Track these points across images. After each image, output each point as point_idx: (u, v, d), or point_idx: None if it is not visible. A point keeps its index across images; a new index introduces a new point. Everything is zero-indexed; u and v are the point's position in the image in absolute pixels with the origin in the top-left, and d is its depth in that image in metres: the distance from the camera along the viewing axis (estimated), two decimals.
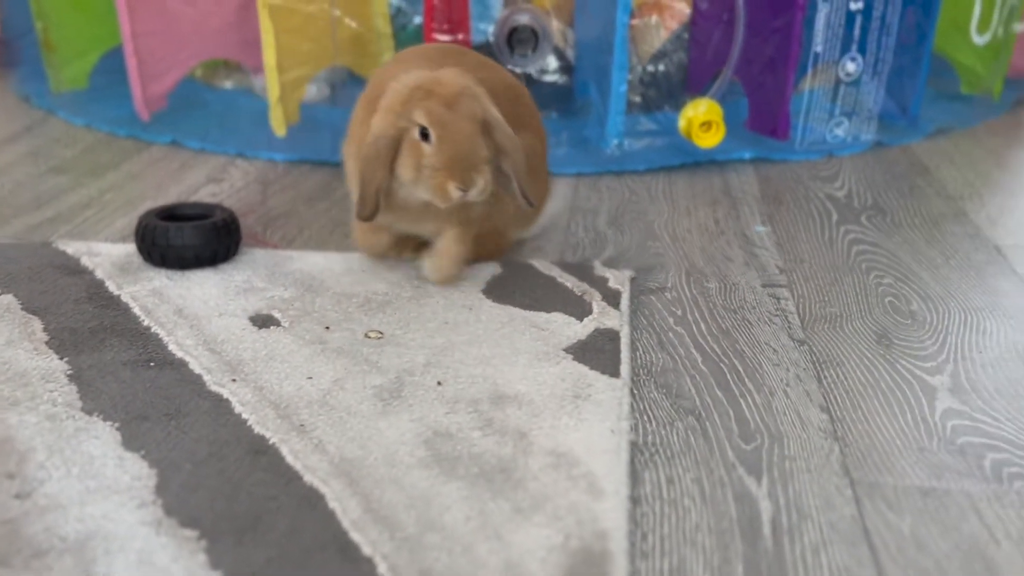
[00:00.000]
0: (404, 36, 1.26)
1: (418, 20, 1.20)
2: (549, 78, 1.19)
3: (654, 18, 1.25)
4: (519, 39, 1.08)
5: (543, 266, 0.86)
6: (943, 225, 1.00)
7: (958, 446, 0.63)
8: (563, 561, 0.50)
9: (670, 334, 0.77)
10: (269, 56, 1.11)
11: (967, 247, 0.94)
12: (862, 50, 1.15)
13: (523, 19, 1.07)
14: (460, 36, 1.18)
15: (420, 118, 0.74)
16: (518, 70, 1.13)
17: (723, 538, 0.54)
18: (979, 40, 1.29)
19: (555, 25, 1.27)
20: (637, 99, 1.28)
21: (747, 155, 1.20)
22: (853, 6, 1.13)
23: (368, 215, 0.77)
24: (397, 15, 1.24)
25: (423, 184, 0.75)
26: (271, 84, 1.13)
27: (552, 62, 1.18)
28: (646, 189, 1.11)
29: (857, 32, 1.14)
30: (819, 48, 1.14)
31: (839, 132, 1.21)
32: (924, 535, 0.55)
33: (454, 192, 0.74)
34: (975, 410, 0.67)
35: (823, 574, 0.51)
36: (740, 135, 1.22)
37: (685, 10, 1.26)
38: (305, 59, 1.18)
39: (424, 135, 0.74)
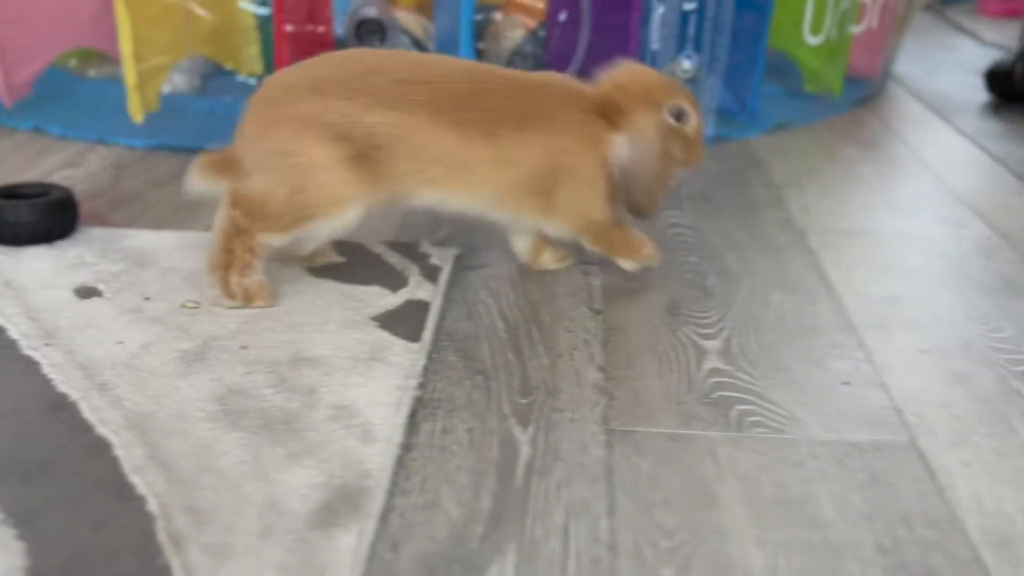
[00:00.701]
0: (270, 28, 1.30)
1: (265, 11, 1.24)
2: None
3: (505, 15, 1.31)
4: (367, 31, 1.13)
5: (372, 245, 0.91)
6: (759, 211, 1.08)
7: (712, 399, 0.70)
8: (321, 496, 0.55)
9: (479, 306, 0.83)
10: (125, 45, 1.14)
11: (775, 231, 1.02)
12: (697, 48, 1.23)
13: (370, 12, 1.12)
14: (321, 28, 1.23)
15: (684, 101, 0.84)
16: None
17: (479, 477, 0.60)
18: (813, 41, 1.37)
19: (419, 19, 1.32)
20: None
21: None
22: (687, 6, 1.20)
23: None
24: (262, 7, 1.28)
25: (686, 158, 0.86)
26: (128, 72, 1.16)
27: None
28: None
29: (692, 31, 1.22)
30: (656, 46, 1.21)
31: None
32: (660, 473, 0.61)
33: None
34: (737, 369, 0.74)
35: (561, 505, 0.58)
36: None
37: (542, 8, 1.33)
38: (165, 49, 1.21)
39: (679, 117, 0.84)
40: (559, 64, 1.30)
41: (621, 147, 0.82)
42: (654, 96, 0.83)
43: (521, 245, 0.90)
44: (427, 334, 0.75)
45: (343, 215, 0.78)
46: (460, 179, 0.80)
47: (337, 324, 0.75)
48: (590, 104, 0.83)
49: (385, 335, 0.74)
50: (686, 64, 1.23)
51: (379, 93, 0.77)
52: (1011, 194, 1.18)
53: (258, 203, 0.77)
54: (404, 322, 0.77)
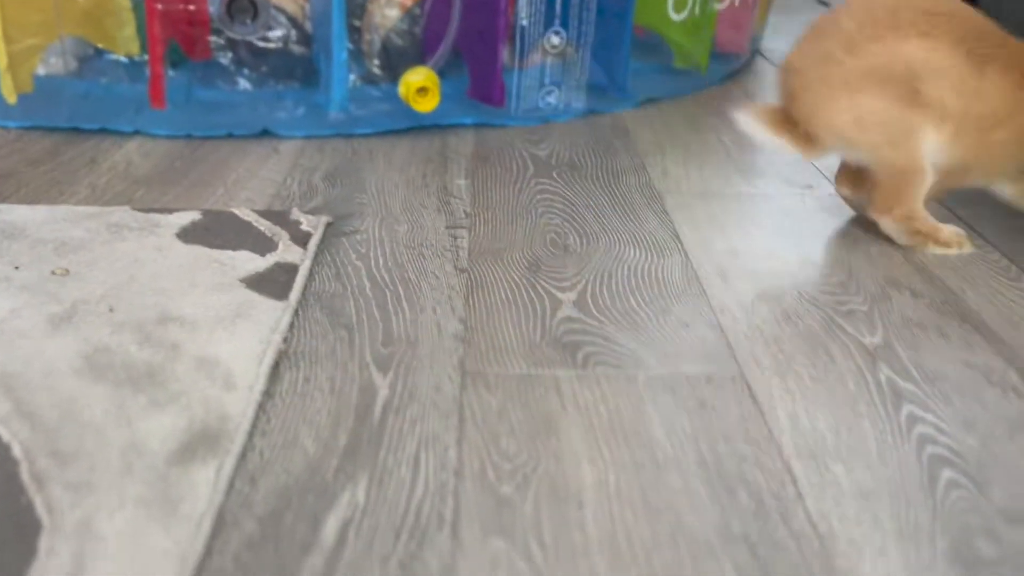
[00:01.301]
0: (143, 8, 1.30)
1: None
2: (272, 45, 1.26)
3: None
4: (238, 8, 1.15)
5: (243, 213, 0.93)
6: (622, 177, 1.14)
7: (563, 343, 0.75)
8: (181, 438, 0.58)
9: (349, 268, 0.86)
10: None
11: (634, 194, 1.08)
12: (564, 24, 1.28)
13: None
14: (192, 7, 1.24)
15: None
16: (238, 37, 1.21)
17: (337, 418, 0.64)
18: (676, 17, 1.44)
19: None
20: (376, 71, 1.37)
21: (468, 121, 1.31)
22: None
23: None
24: None
25: None
26: None
27: (279, 31, 1.25)
28: (368, 150, 1.20)
29: (559, 8, 1.27)
30: (524, 22, 1.26)
31: (551, 100, 1.33)
32: (508, 407, 0.66)
33: None
34: (588, 316, 0.79)
35: (413, 438, 0.62)
36: (465, 103, 1.32)
37: None
38: (36, 30, 1.21)
39: None
40: (433, 42, 1.34)
41: None
42: None
43: (1011, 192, 0.97)
44: (294, 293, 0.78)
45: (929, 140, 0.88)
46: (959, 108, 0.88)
47: (205, 287, 0.78)
48: None
49: (252, 295, 0.77)
50: (555, 40, 1.29)
51: (909, 24, 0.86)
52: None
53: (890, 185, 0.89)
54: (271, 283, 0.80)
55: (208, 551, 0.51)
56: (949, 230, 0.95)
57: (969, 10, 0.90)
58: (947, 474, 0.60)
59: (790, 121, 0.91)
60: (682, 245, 0.94)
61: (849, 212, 1.04)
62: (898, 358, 0.74)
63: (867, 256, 0.93)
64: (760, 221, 1.02)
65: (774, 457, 0.61)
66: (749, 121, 0.92)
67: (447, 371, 0.70)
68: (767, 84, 1.64)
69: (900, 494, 0.58)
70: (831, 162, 1.22)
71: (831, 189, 1.12)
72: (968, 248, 0.94)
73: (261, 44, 1.27)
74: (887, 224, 0.94)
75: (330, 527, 0.53)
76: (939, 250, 0.94)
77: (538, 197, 1.06)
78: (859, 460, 0.61)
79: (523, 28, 1.27)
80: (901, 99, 0.86)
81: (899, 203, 0.91)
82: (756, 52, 1.83)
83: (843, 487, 0.59)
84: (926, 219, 0.94)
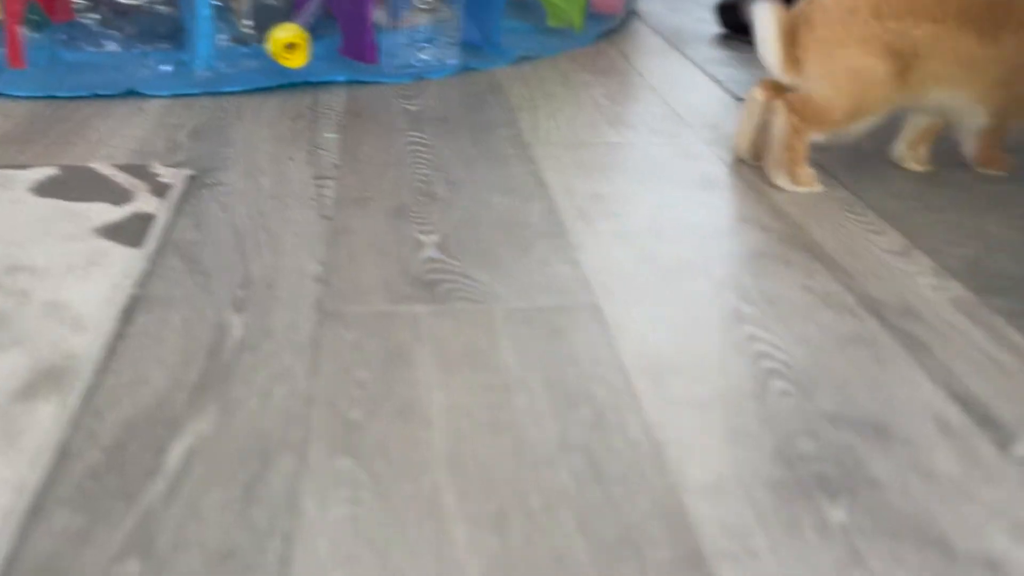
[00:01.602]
0: None
1: None
2: (136, 3, 1.24)
3: None
4: None
5: (101, 168, 0.92)
6: (493, 130, 1.15)
7: (423, 281, 0.76)
8: (25, 376, 0.58)
9: (210, 218, 0.86)
10: None
11: (503, 145, 1.10)
12: None
13: None
14: None
15: None
16: None
17: (189, 356, 0.64)
18: None
19: None
20: (248, 31, 1.36)
21: (341, 78, 1.31)
22: None
23: None
24: None
25: None
26: None
27: None
28: (237, 107, 1.19)
29: None
30: None
31: (424, 56, 1.34)
32: (363, 342, 0.67)
33: None
34: (449, 256, 0.81)
35: (265, 372, 0.62)
36: (339, 61, 1.32)
37: None
38: None
39: None
40: (305, 1, 1.33)
41: None
42: None
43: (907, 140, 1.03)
44: (149, 241, 0.78)
45: (878, 117, 0.96)
46: (967, 76, 0.95)
47: (58, 237, 0.77)
48: None
49: (106, 244, 0.76)
50: None
51: (923, 9, 0.93)
52: (725, 110, 1.30)
53: (820, 110, 0.95)
54: (127, 232, 0.79)
55: (50, 480, 0.51)
56: (805, 170, 0.99)
57: None
58: (778, 384, 0.64)
59: (790, 38, 0.96)
60: (547, 191, 0.96)
61: (710, 159, 1.08)
62: (742, 285, 0.78)
63: (722, 197, 0.97)
64: (624, 168, 1.05)
65: (617, 374, 0.64)
66: (767, 13, 0.96)
67: (304, 311, 0.71)
68: (639, 43, 1.68)
69: (732, 403, 0.61)
70: (697, 114, 1.26)
71: (694, 138, 1.16)
72: (817, 187, 0.99)
73: (125, 2, 1.24)
74: (782, 118, 0.97)
75: (175, 455, 0.54)
76: (789, 186, 0.98)
77: (408, 149, 1.07)
78: (696, 375, 0.65)
79: None
80: (893, 74, 0.94)
81: (810, 122, 0.96)
82: (632, 13, 1.87)
83: (679, 399, 0.62)
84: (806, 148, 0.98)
